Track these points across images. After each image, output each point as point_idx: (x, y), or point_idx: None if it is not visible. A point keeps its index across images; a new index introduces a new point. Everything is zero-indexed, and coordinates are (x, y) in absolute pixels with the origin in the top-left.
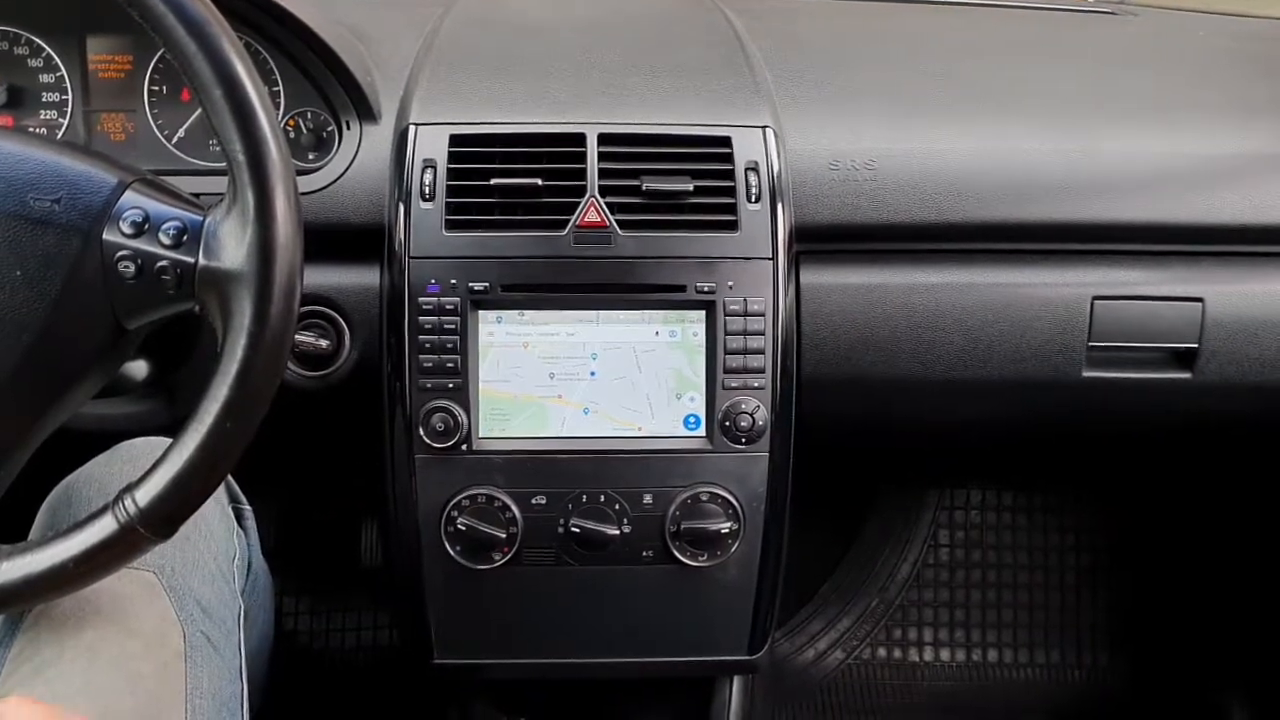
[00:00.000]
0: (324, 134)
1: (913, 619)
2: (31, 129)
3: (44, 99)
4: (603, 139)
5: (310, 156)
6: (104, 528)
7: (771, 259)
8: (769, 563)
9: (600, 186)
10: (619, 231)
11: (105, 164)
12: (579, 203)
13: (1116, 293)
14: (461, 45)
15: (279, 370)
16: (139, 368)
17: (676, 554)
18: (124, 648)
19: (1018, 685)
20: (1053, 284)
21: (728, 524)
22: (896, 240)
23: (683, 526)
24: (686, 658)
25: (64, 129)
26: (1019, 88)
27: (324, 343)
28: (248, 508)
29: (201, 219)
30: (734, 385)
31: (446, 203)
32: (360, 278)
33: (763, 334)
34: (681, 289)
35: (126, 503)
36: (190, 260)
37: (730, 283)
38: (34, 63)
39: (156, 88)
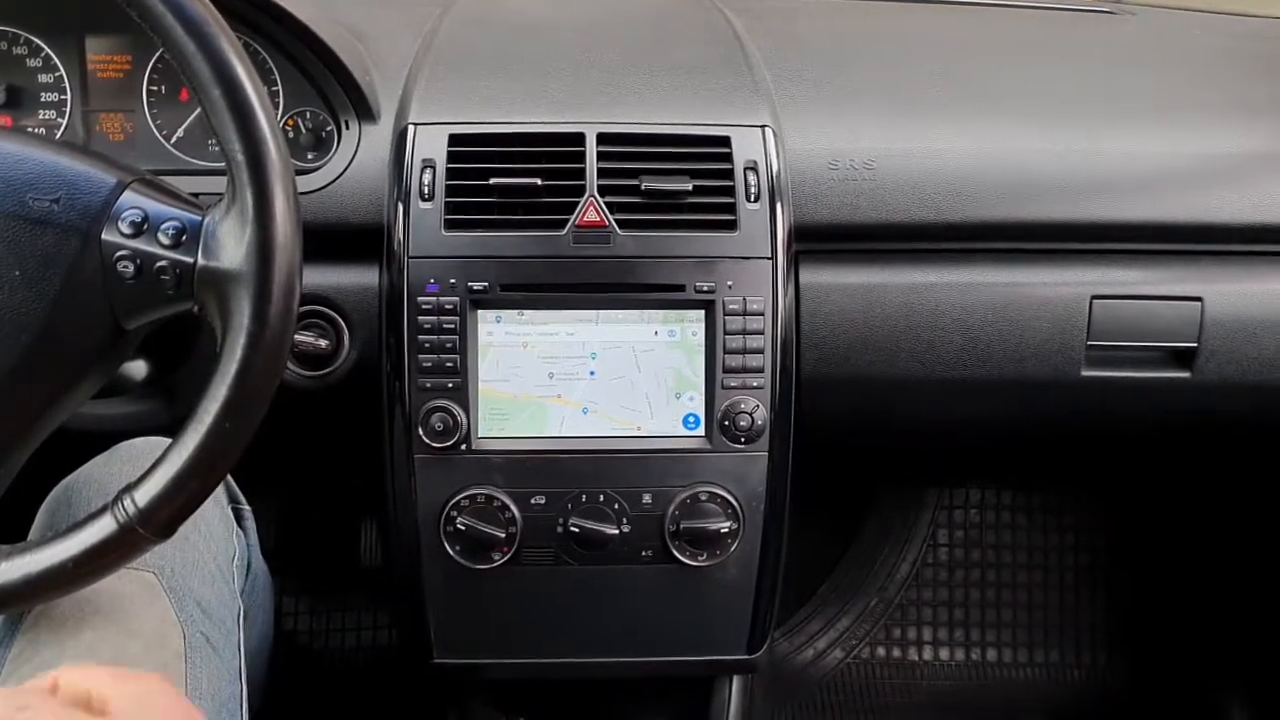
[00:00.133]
0: (323, 134)
1: (912, 618)
2: (30, 129)
3: (43, 99)
4: (602, 138)
5: (309, 156)
6: (103, 528)
7: (771, 258)
8: (768, 562)
9: (599, 186)
10: (618, 231)
11: (104, 164)
12: (578, 202)
13: (1115, 292)
14: (460, 45)
15: (278, 370)
16: (138, 368)
17: (676, 554)
18: (124, 648)
19: (1017, 684)
20: (1052, 283)
21: (727, 523)
22: (896, 240)
23: (682, 526)
24: (686, 657)
25: (63, 129)
26: (1018, 87)
27: (323, 342)
28: (247, 508)
29: (200, 219)
30: (733, 385)
31: (446, 202)
32: (359, 277)
33: (762, 333)
34: (681, 289)
35: (126, 503)
36: (189, 260)
37: (729, 282)
38: (33, 63)
39: (155, 88)
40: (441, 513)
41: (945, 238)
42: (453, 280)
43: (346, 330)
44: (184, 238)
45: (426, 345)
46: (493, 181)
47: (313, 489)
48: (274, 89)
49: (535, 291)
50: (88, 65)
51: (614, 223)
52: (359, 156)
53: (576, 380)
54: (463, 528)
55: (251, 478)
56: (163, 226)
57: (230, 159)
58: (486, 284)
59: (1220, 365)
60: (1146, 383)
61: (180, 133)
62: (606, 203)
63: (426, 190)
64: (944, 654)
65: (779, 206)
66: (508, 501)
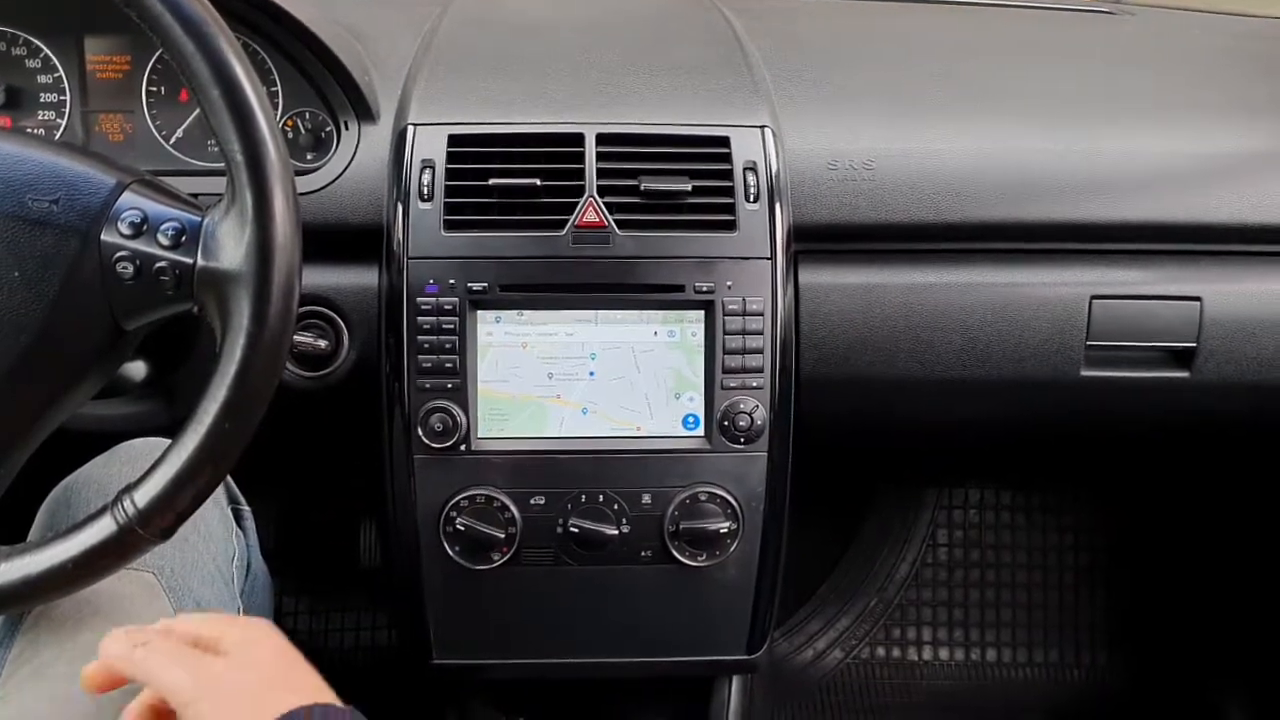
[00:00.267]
0: (322, 134)
1: (911, 618)
2: (29, 130)
3: (42, 99)
4: (601, 139)
5: (308, 157)
6: (103, 529)
7: (770, 259)
8: (768, 562)
9: (599, 186)
10: (617, 231)
11: (103, 165)
12: (577, 203)
13: (1115, 292)
14: (459, 45)
15: (277, 371)
16: (138, 368)
17: (675, 554)
18: None
19: (1017, 684)
20: (1051, 283)
21: (726, 524)
22: (895, 240)
23: (681, 526)
24: (685, 657)
25: (62, 129)
26: (1017, 87)
27: (322, 343)
28: (247, 508)
29: (200, 219)
30: (733, 385)
31: (445, 203)
32: (359, 278)
33: (761, 334)
34: (680, 289)
35: (125, 504)
36: (188, 261)
37: (729, 282)
38: (32, 63)
39: (155, 88)
40: (441, 513)
41: (944, 238)
42: (452, 281)
43: (346, 331)
44: (183, 238)
45: (426, 346)
46: (492, 182)
47: (312, 489)
48: (273, 89)
49: (535, 292)
50: (87, 66)
51: (613, 223)
52: (358, 157)
53: (576, 381)
54: (462, 528)
55: (251, 478)
56: (162, 227)
57: (229, 159)
58: (486, 284)
59: (1219, 365)
60: (1146, 383)
61: (179, 133)
62: (606, 203)
63: (426, 190)
64: (943, 654)
65: (778, 207)
66: (507, 502)
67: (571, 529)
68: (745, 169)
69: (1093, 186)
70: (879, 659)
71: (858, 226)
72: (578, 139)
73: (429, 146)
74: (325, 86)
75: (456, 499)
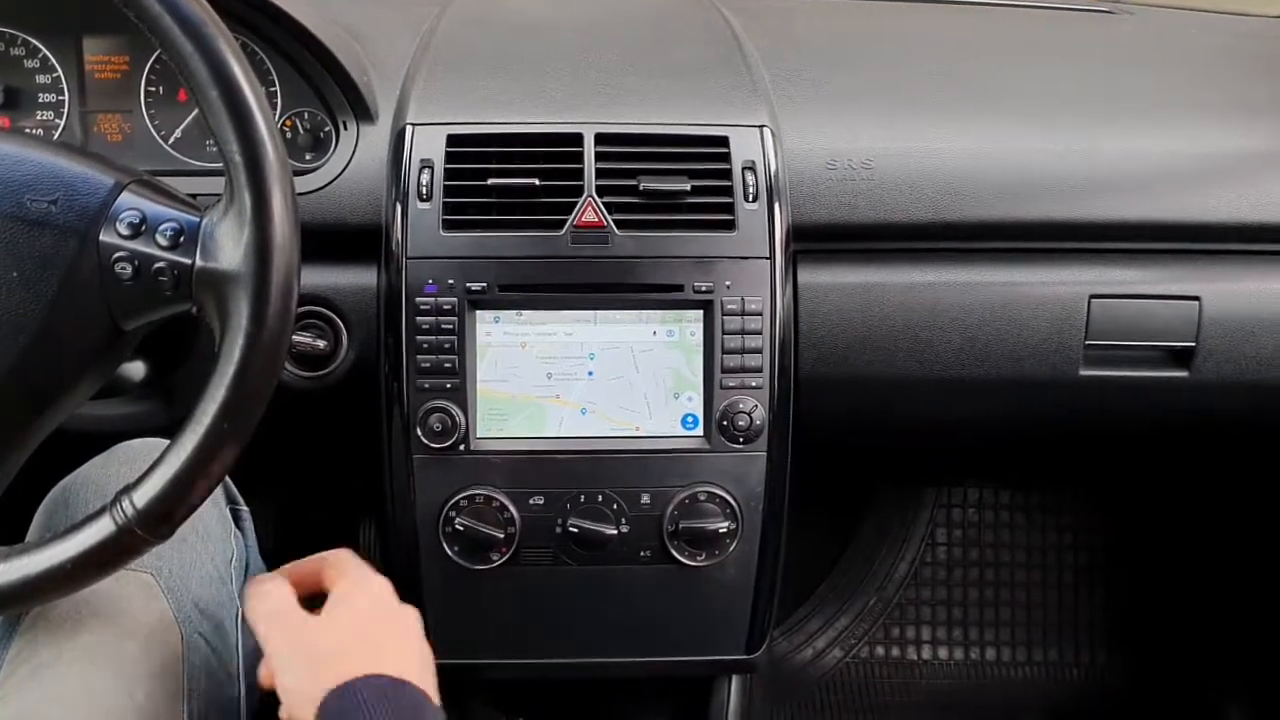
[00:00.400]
0: (321, 134)
1: (910, 617)
2: (28, 130)
3: (40, 100)
4: (600, 139)
5: (307, 157)
6: (101, 529)
7: (769, 258)
8: (767, 562)
9: (598, 186)
10: (616, 231)
11: (102, 165)
12: (576, 202)
13: (1114, 291)
14: (458, 45)
15: (276, 371)
16: (136, 369)
17: (674, 554)
18: (122, 649)
19: (1016, 683)
20: (1050, 283)
21: (725, 523)
22: (894, 239)
23: (681, 526)
24: (685, 657)
25: (60, 130)
26: (1016, 87)
27: (321, 343)
28: (245, 509)
29: (198, 220)
30: (732, 385)
31: (444, 203)
32: (358, 278)
33: (760, 333)
34: (679, 289)
35: (124, 504)
36: (187, 261)
37: (728, 282)
38: (30, 63)
39: (153, 88)
40: (440, 513)
41: (943, 237)
42: (451, 280)
43: (345, 331)
44: (182, 239)
45: (425, 346)
46: (491, 182)
47: (311, 490)
48: (272, 90)
49: (534, 292)
50: (85, 66)
51: (612, 223)
52: (357, 157)
53: (575, 380)
54: (461, 528)
55: (250, 478)
56: (161, 227)
57: (228, 160)
58: (485, 284)
59: (1218, 364)
60: (1145, 382)
61: (178, 133)
62: (605, 203)
63: (425, 190)
64: (942, 653)
65: (777, 206)
66: (506, 502)
67: (571, 529)
68: (744, 169)
69: (1092, 186)
70: (878, 658)
71: (856, 226)
72: (577, 139)
73: (428, 146)
74: (324, 87)
75: (456, 499)
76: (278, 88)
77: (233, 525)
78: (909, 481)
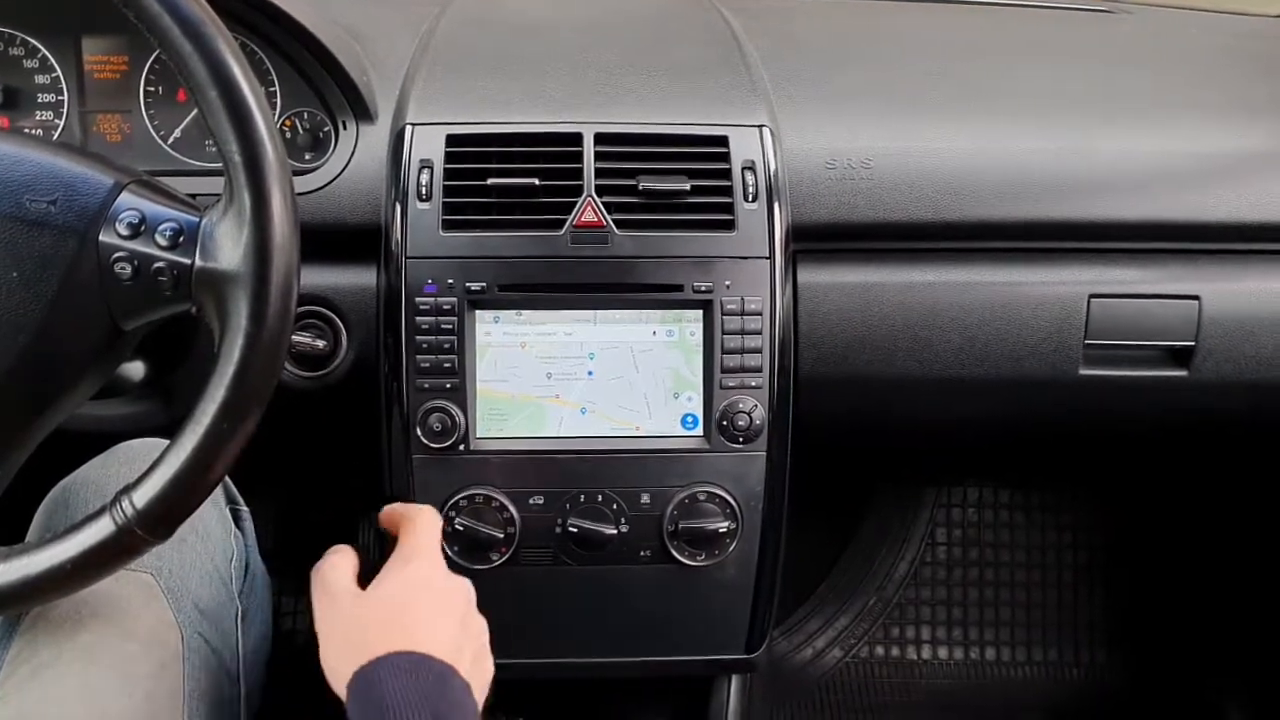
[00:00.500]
0: (320, 134)
1: (910, 617)
2: (27, 130)
3: (39, 100)
4: (599, 139)
5: (307, 157)
6: (101, 529)
7: (768, 258)
8: (767, 562)
9: (597, 186)
10: (616, 231)
11: (101, 165)
12: (576, 202)
13: (1113, 291)
14: (458, 45)
15: (276, 371)
16: (136, 369)
17: (674, 553)
18: (122, 650)
19: (1016, 683)
20: (1049, 282)
21: (725, 523)
22: (893, 239)
23: (680, 526)
24: (684, 657)
25: (60, 130)
26: (1015, 86)
27: (321, 343)
28: (245, 509)
29: (198, 220)
30: (731, 385)
31: (443, 203)
32: (357, 278)
33: (760, 333)
34: (679, 288)
35: (124, 504)
36: (187, 261)
37: (727, 282)
38: (29, 63)
39: (152, 88)
40: (440, 513)
41: (943, 237)
42: (450, 280)
43: (344, 331)
44: (181, 239)
45: (424, 346)
46: (490, 182)
47: (311, 489)
48: (271, 89)
49: (533, 292)
50: (84, 66)
51: (612, 223)
52: (356, 157)
53: (574, 380)
54: (461, 528)
55: (250, 478)
56: (160, 227)
57: (227, 160)
58: (484, 284)
59: (1218, 364)
60: (1144, 381)
61: (177, 133)
62: (604, 203)
63: (424, 190)
64: (942, 653)
65: (777, 206)
66: (506, 502)
67: (570, 529)
68: (744, 168)
69: (1091, 185)
70: (878, 658)
71: (856, 225)
72: (576, 139)
73: (427, 146)
74: (323, 87)
75: (455, 499)
76: (277, 88)
77: (233, 525)
78: (909, 481)
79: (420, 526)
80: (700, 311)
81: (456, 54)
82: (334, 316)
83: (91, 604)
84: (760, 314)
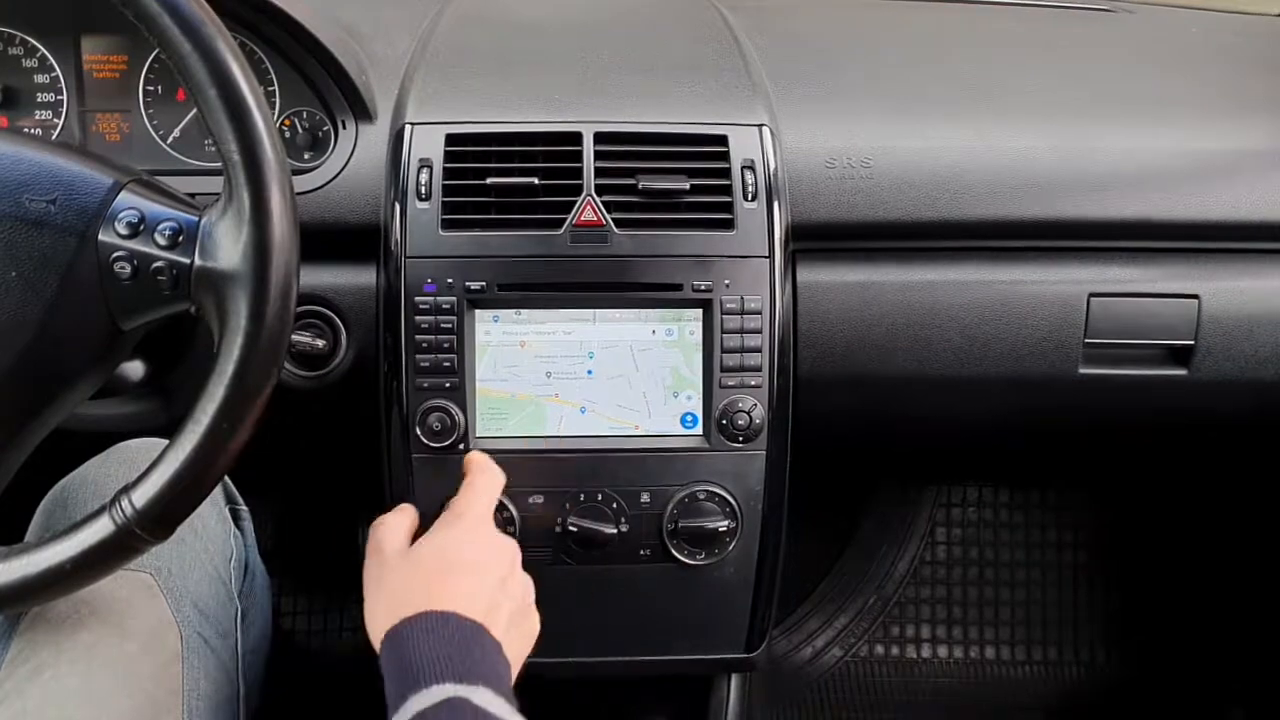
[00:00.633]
0: (319, 133)
1: (910, 616)
2: (26, 129)
3: (39, 99)
4: (599, 138)
5: (306, 156)
6: (101, 529)
7: (768, 257)
8: (766, 561)
9: (597, 185)
10: (615, 230)
11: (100, 164)
12: (575, 201)
13: (1113, 290)
14: (457, 44)
15: (275, 370)
16: (135, 368)
17: (674, 552)
18: (121, 649)
19: (1015, 682)
20: (1049, 281)
21: (725, 522)
22: (893, 238)
23: (680, 525)
24: (684, 656)
25: (59, 129)
26: (1015, 85)
27: (320, 343)
28: (245, 508)
29: (197, 219)
30: (731, 384)
31: (443, 202)
32: (356, 277)
33: (759, 332)
34: (678, 288)
35: (123, 504)
36: (186, 261)
37: (727, 281)
38: (29, 63)
39: (151, 88)
40: (440, 513)
41: (942, 235)
42: (450, 280)
43: (344, 330)
44: (180, 238)
45: (424, 345)
46: (490, 181)
47: (310, 489)
48: (270, 89)
49: (533, 291)
50: (84, 65)
51: (611, 222)
52: (356, 156)
53: (574, 379)
54: None
55: (249, 478)
56: (159, 227)
57: (227, 159)
58: (484, 283)
59: (1217, 363)
60: (1144, 380)
61: (177, 133)
62: (604, 202)
63: (424, 190)
64: (942, 651)
65: (776, 205)
66: (506, 501)
67: (570, 528)
68: (743, 167)
69: (1091, 184)
70: (878, 657)
71: (855, 224)
72: (575, 138)
73: (426, 145)
74: (322, 86)
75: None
76: (276, 87)
77: (232, 525)
78: (909, 480)
79: (477, 486)
80: (700, 310)
81: (456, 53)
82: (333, 316)
83: (91, 604)
84: (760, 313)
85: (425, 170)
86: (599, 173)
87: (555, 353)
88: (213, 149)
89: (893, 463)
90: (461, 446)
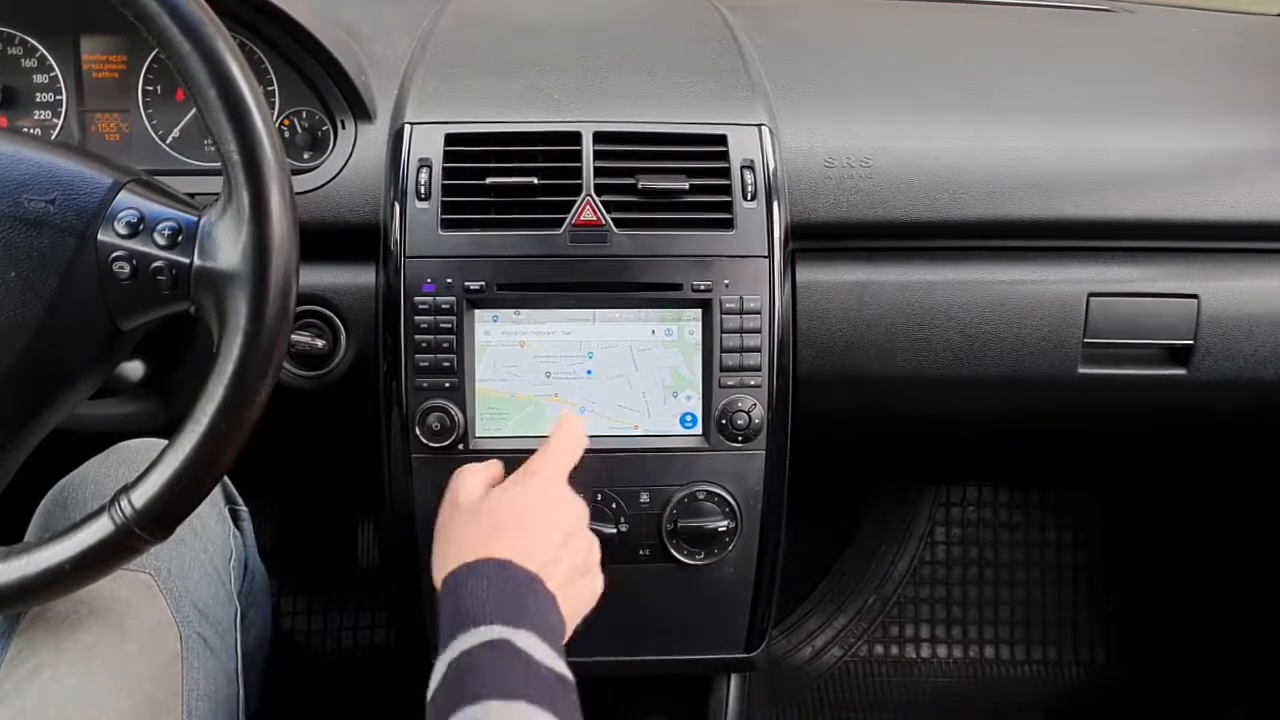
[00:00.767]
0: (319, 133)
1: (909, 616)
2: (26, 129)
3: (38, 99)
4: (598, 137)
5: (305, 156)
6: (100, 529)
7: (767, 257)
8: (766, 561)
9: (596, 185)
10: (615, 230)
11: (100, 164)
12: (575, 201)
13: (1112, 289)
14: (456, 43)
15: (275, 370)
16: (135, 368)
17: (674, 552)
18: (120, 650)
19: (1014, 681)
20: (1048, 281)
21: (724, 522)
22: (892, 238)
23: (679, 525)
24: (684, 656)
25: (58, 129)
26: (1015, 85)
27: (320, 342)
28: (244, 509)
29: (196, 219)
30: (730, 384)
31: (442, 202)
32: (356, 277)
33: (759, 332)
34: (678, 287)
35: (123, 504)
36: (185, 260)
37: (726, 281)
38: (28, 63)
39: (151, 88)
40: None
41: (942, 235)
42: (449, 280)
43: (343, 330)
44: (180, 238)
45: (423, 345)
46: (489, 181)
47: (310, 489)
48: (270, 89)
49: (532, 291)
50: (83, 65)
51: (611, 222)
52: (355, 156)
53: (573, 379)
54: None
55: (249, 478)
56: (159, 227)
57: (226, 159)
58: (483, 283)
59: (1217, 362)
60: (1143, 380)
61: (176, 133)
62: (603, 201)
63: (423, 190)
64: (941, 651)
65: (775, 205)
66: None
67: None
68: (743, 167)
69: (1091, 184)
70: (877, 656)
71: (855, 224)
72: (575, 137)
73: (426, 145)
74: (322, 86)
75: None
76: (276, 87)
77: (231, 525)
78: (908, 480)
79: (555, 445)
80: (699, 310)
81: (455, 53)
82: (333, 316)
83: (90, 604)
84: (759, 313)
85: (425, 170)
86: (598, 172)
87: (555, 353)
88: (212, 149)
89: (892, 462)
90: (461, 447)
